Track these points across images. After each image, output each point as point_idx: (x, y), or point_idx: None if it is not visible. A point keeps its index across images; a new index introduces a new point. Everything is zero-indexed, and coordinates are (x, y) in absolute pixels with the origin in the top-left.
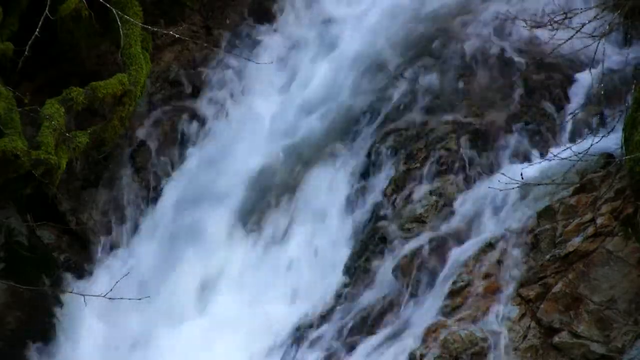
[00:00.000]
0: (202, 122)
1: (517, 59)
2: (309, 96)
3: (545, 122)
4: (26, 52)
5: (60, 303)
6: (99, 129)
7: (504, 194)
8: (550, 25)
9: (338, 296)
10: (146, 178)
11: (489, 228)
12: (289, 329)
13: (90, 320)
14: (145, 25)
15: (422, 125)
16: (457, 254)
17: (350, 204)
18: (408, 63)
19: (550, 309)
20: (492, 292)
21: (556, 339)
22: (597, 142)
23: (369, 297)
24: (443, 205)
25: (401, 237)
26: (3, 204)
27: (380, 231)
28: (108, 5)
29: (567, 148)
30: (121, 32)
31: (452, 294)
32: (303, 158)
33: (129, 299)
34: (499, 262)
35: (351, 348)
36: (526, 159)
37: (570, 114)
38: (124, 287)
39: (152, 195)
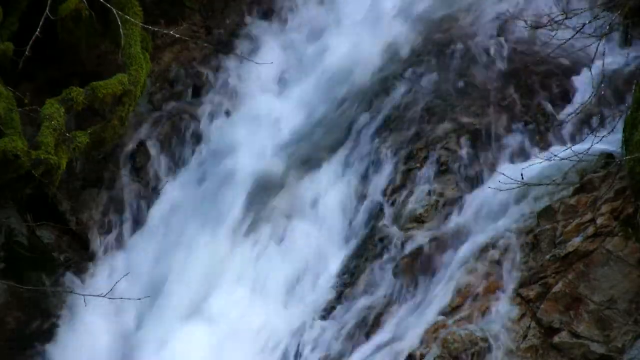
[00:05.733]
0: (202, 122)
1: (517, 59)
2: (309, 96)
3: (545, 122)
4: (26, 52)
5: (60, 303)
6: (99, 129)
7: (504, 193)
8: (550, 25)
9: (338, 296)
10: (146, 178)
11: (489, 228)
12: (289, 329)
13: (90, 320)
14: (145, 25)
15: (422, 125)
16: (457, 254)
17: (350, 204)
18: (408, 63)
19: (550, 309)
20: (492, 292)
21: (556, 339)
22: (597, 142)
23: (369, 297)
24: (443, 205)
25: (401, 237)
26: (3, 204)
27: (380, 231)
28: (108, 5)
29: (567, 148)
30: (121, 32)
31: (452, 294)
32: (303, 158)
33: (129, 299)
34: (499, 262)
35: (351, 348)
36: (526, 159)
37: (570, 114)
38: (124, 287)
39: (152, 195)
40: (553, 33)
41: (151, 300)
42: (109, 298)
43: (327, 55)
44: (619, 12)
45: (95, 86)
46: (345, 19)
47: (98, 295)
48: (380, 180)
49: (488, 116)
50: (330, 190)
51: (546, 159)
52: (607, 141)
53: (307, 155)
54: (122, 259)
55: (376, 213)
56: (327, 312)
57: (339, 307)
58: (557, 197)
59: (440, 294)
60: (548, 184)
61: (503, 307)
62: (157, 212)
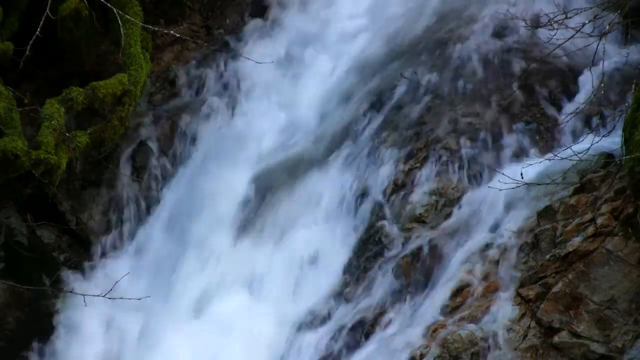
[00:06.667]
0: (201, 121)
1: (517, 58)
2: (309, 96)
3: (545, 122)
4: (26, 52)
5: (60, 303)
6: (99, 129)
7: (504, 193)
8: (550, 25)
9: (338, 296)
10: (146, 178)
11: (489, 228)
12: (289, 329)
13: (90, 320)
14: (145, 25)
15: (422, 125)
16: (457, 254)
17: (351, 204)
18: (408, 63)
19: (550, 308)
20: (492, 292)
21: (556, 338)
22: (597, 142)
23: (369, 297)
24: (443, 205)
25: (401, 237)
26: (3, 204)
27: (380, 231)
28: (108, 5)
29: (567, 148)
30: (121, 32)
31: (452, 294)
32: (303, 157)
33: (129, 299)
34: (499, 262)
35: (351, 348)
36: (526, 159)
37: (570, 113)
38: (124, 287)
39: (152, 195)
40: (553, 33)
41: (151, 300)
42: (109, 298)
43: (326, 55)
44: (619, 12)
45: (95, 86)
46: (346, 19)
47: (98, 295)
48: (380, 180)
49: (488, 116)
50: (331, 190)
51: (546, 159)
52: (607, 141)
53: (307, 154)
54: (122, 258)
55: (376, 213)
56: (327, 312)
57: (339, 307)
58: (557, 197)
59: (440, 294)
60: (548, 184)
61: (503, 307)
62: (157, 211)
